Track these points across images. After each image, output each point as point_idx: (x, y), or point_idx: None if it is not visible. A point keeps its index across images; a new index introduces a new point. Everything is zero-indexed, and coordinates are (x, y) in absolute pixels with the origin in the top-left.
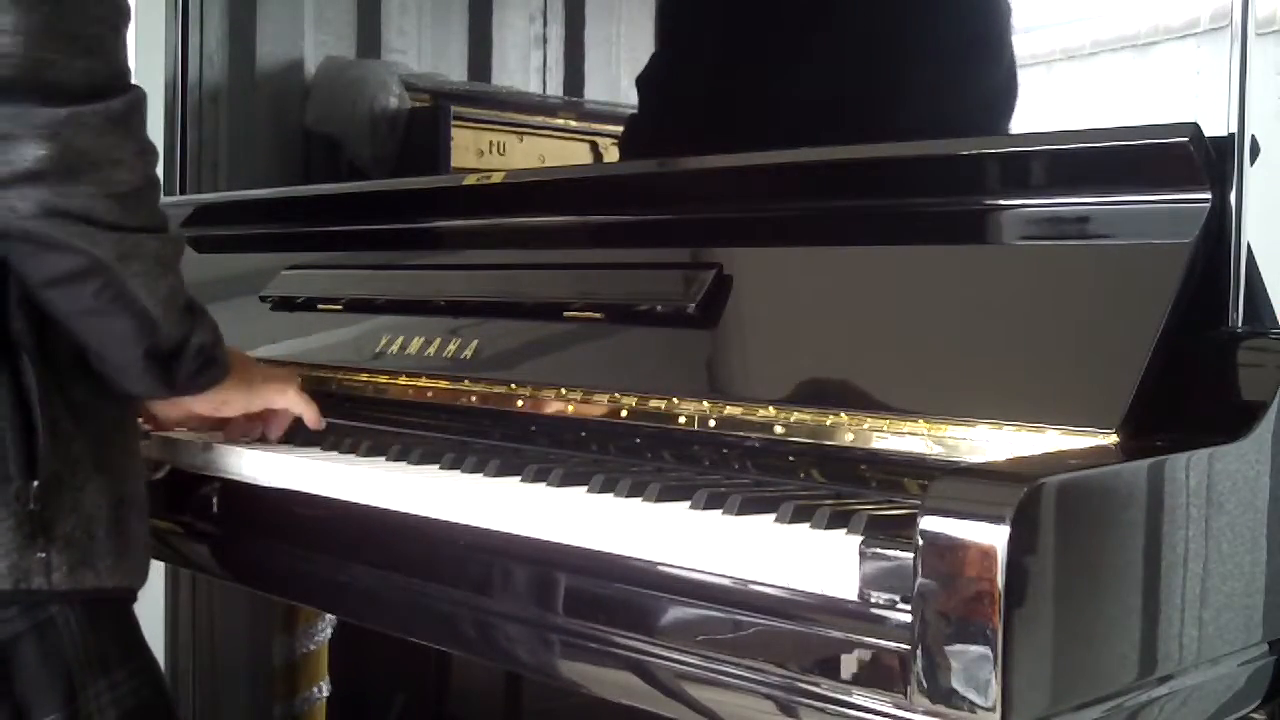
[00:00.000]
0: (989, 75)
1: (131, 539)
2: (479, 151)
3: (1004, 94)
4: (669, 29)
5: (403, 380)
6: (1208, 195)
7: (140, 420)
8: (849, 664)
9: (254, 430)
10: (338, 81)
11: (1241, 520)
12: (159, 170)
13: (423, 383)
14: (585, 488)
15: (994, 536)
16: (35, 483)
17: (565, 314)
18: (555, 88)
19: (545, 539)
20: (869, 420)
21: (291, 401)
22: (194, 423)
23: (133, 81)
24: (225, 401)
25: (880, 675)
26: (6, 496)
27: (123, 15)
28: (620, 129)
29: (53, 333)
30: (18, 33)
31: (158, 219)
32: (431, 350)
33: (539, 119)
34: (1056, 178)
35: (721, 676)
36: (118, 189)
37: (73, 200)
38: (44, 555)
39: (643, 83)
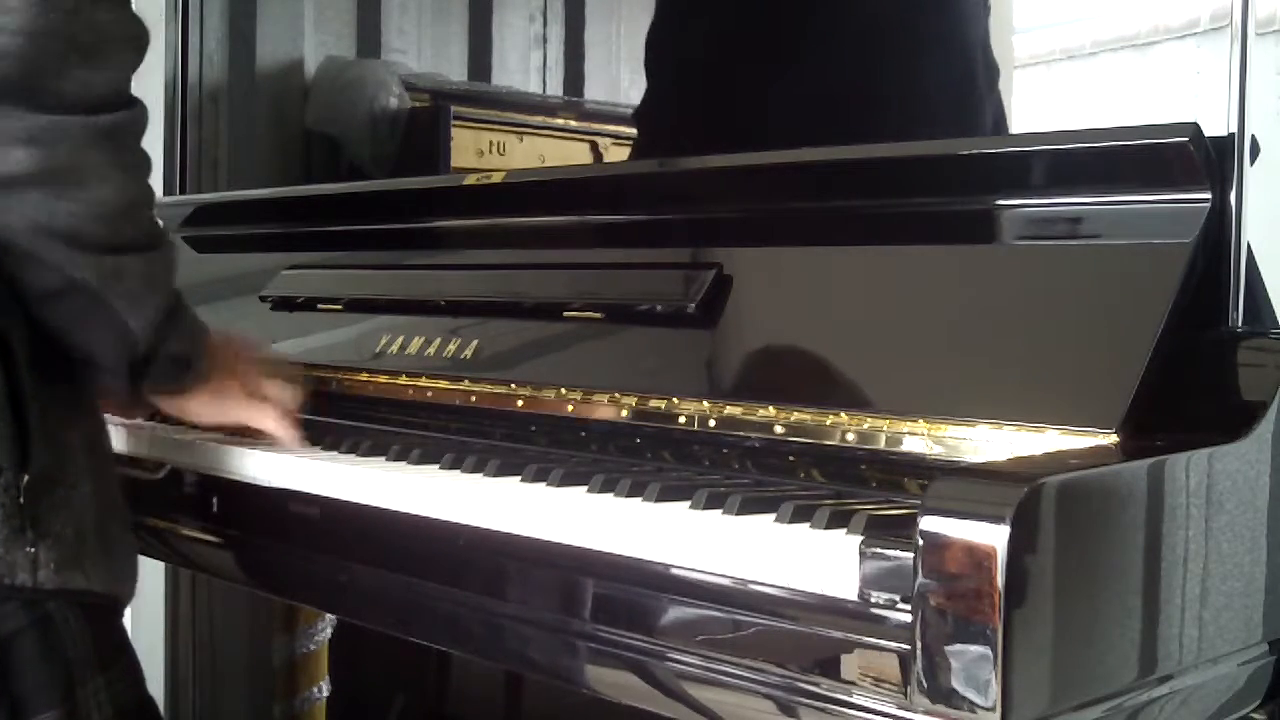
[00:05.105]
0: (988, 74)
1: (115, 545)
2: (479, 151)
3: (999, 93)
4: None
5: (403, 380)
6: (1208, 195)
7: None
8: (849, 664)
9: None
10: (338, 81)
11: (1241, 520)
12: (159, 171)
13: (423, 383)
14: (585, 488)
15: (994, 536)
16: (26, 476)
17: (565, 314)
18: (555, 88)
19: (545, 539)
20: (869, 420)
21: (270, 427)
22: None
23: (134, 100)
24: (193, 413)
25: (880, 675)
26: None
27: (134, 36)
28: (620, 129)
29: (46, 333)
30: (19, 33)
31: (147, 234)
32: (431, 350)
33: (539, 119)
34: (1056, 178)
35: (721, 676)
36: (103, 209)
37: (56, 219)
38: (32, 550)
39: (641, 117)
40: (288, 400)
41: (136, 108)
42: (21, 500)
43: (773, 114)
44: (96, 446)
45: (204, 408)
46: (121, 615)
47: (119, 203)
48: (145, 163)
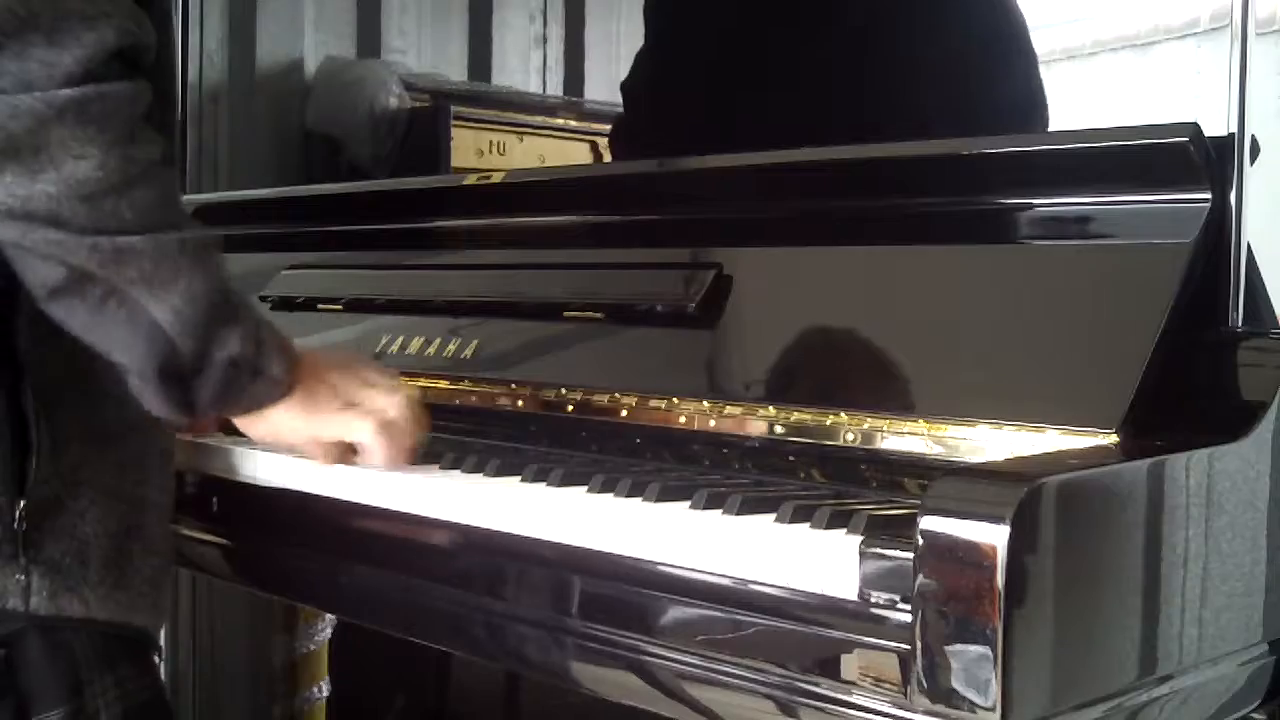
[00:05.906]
0: (997, 77)
1: (133, 573)
2: (479, 151)
3: (1019, 99)
4: (657, 30)
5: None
6: (1208, 195)
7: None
8: (849, 664)
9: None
10: (338, 81)
11: (1241, 520)
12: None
13: (422, 382)
14: (585, 488)
15: (994, 536)
16: (22, 501)
17: (565, 314)
18: (555, 88)
19: (545, 539)
20: (869, 420)
21: (369, 442)
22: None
23: (117, 76)
24: (276, 429)
25: (880, 675)
26: None
27: (105, 13)
28: None
29: (80, 354)
30: None
31: (155, 218)
32: (431, 350)
33: (539, 119)
34: (1057, 178)
35: (721, 676)
36: (84, 188)
37: (34, 202)
38: (22, 578)
39: (628, 88)
40: (393, 412)
41: (117, 83)
42: (17, 525)
43: (769, 108)
44: (132, 470)
45: (293, 422)
46: (150, 643)
47: (104, 181)
48: (134, 138)
